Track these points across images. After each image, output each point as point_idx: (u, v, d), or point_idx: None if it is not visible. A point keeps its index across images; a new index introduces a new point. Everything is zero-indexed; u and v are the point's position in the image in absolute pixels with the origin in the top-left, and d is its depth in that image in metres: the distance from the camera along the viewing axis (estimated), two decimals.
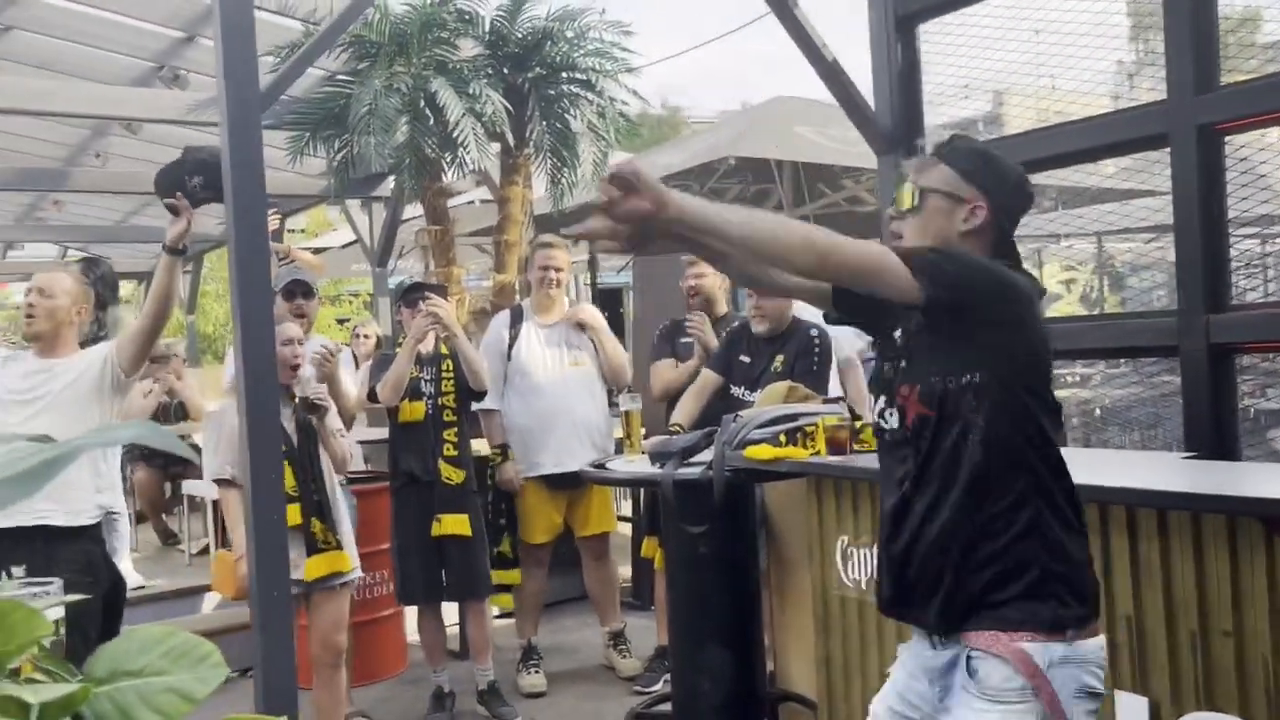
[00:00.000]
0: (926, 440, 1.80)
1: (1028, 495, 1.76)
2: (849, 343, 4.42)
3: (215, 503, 5.85)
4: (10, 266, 13.73)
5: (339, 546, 3.59)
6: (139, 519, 6.30)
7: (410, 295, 4.36)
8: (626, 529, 5.90)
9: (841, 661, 3.00)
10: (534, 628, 4.73)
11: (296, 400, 3.63)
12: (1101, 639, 1.81)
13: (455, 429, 4.24)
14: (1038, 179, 5.22)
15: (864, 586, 2.90)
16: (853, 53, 4.45)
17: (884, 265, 1.71)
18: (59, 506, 3.10)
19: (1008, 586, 1.75)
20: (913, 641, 1.94)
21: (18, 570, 2.92)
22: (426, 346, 4.25)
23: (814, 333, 3.87)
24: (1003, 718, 1.72)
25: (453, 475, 4.21)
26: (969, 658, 1.77)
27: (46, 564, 2.96)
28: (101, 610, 3.31)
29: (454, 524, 4.18)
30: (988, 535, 1.76)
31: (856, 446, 2.99)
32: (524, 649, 4.69)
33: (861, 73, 4.22)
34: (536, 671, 4.64)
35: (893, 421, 1.86)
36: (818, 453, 2.97)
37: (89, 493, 3.28)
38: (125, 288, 15.39)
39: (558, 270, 4.58)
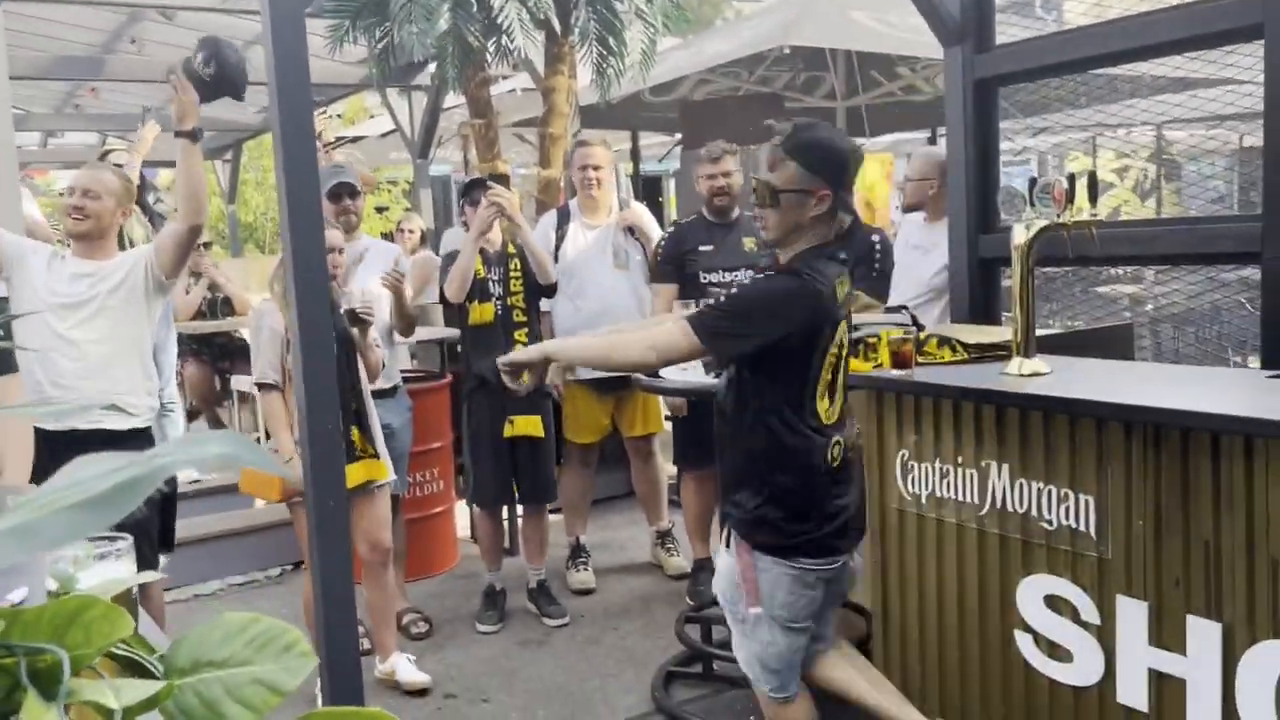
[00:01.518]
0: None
1: None
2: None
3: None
4: (50, 155, 13.73)
5: (375, 455, 3.59)
6: (190, 415, 6.38)
7: (473, 192, 4.24)
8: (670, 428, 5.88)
9: (898, 573, 2.97)
10: (583, 525, 4.76)
11: (341, 311, 3.58)
12: None
13: (525, 329, 4.15)
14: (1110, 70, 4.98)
15: (923, 501, 2.85)
16: None
17: (689, 345, 2.37)
18: (113, 410, 3.11)
19: None
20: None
21: None
22: (494, 245, 4.14)
23: (875, 238, 3.74)
24: None
25: (524, 376, 4.15)
26: None
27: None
28: (159, 508, 3.36)
29: (526, 425, 4.14)
30: None
31: (920, 359, 2.90)
32: (572, 546, 4.73)
33: None
34: (585, 569, 4.69)
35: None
36: (880, 365, 2.88)
37: (142, 395, 3.29)
38: (164, 176, 15.37)
39: (597, 169, 4.45)
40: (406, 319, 4.19)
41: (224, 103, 11.43)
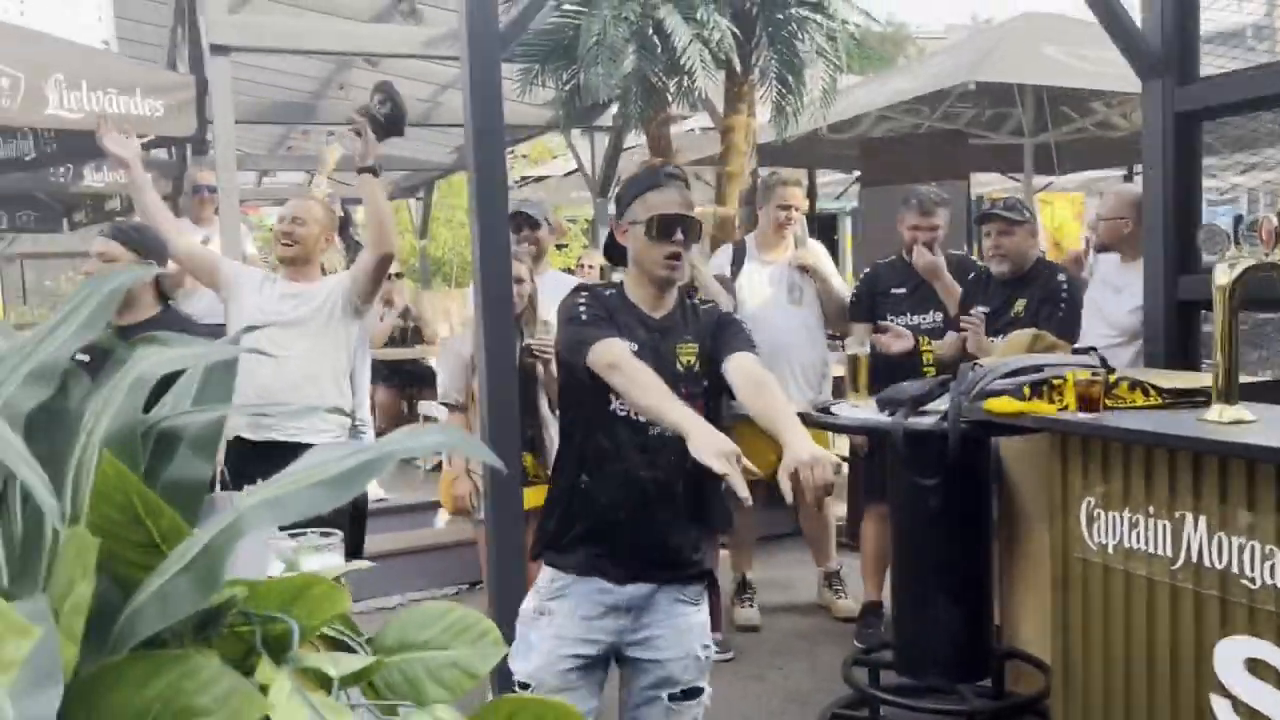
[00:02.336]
0: None
1: None
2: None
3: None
4: (263, 193, 14.79)
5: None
6: (379, 436, 6.74)
7: None
8: (843, 469, 5.81)
9: (1081, 626, 2.84)
10: (749, 562, 4.75)
11: (522, 344, 3.73)
12: None
13: None
14: None
15: (1110, 551, 2.71)
16: None
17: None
18: (308, 424, 3.33)
19: None
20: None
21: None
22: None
23: (1061, 277, 3.62)
24: None
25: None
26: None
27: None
28: (351, 521, 3.57)
29: None
30: None
31: (1109, 403, 2.78)
32: (738, 582, 4.72)
33: None
34: (751, 605, 4.66)
35: None
36: (1066, 407, 2.78)
37: (342, 411, 3.51)
38: (360, 213, 16.33)
39: (796, 209, 4.48)
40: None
41: (419, 143, 12.01)
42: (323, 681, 0.72)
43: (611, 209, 2.50)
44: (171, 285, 5.26)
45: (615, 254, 2.43)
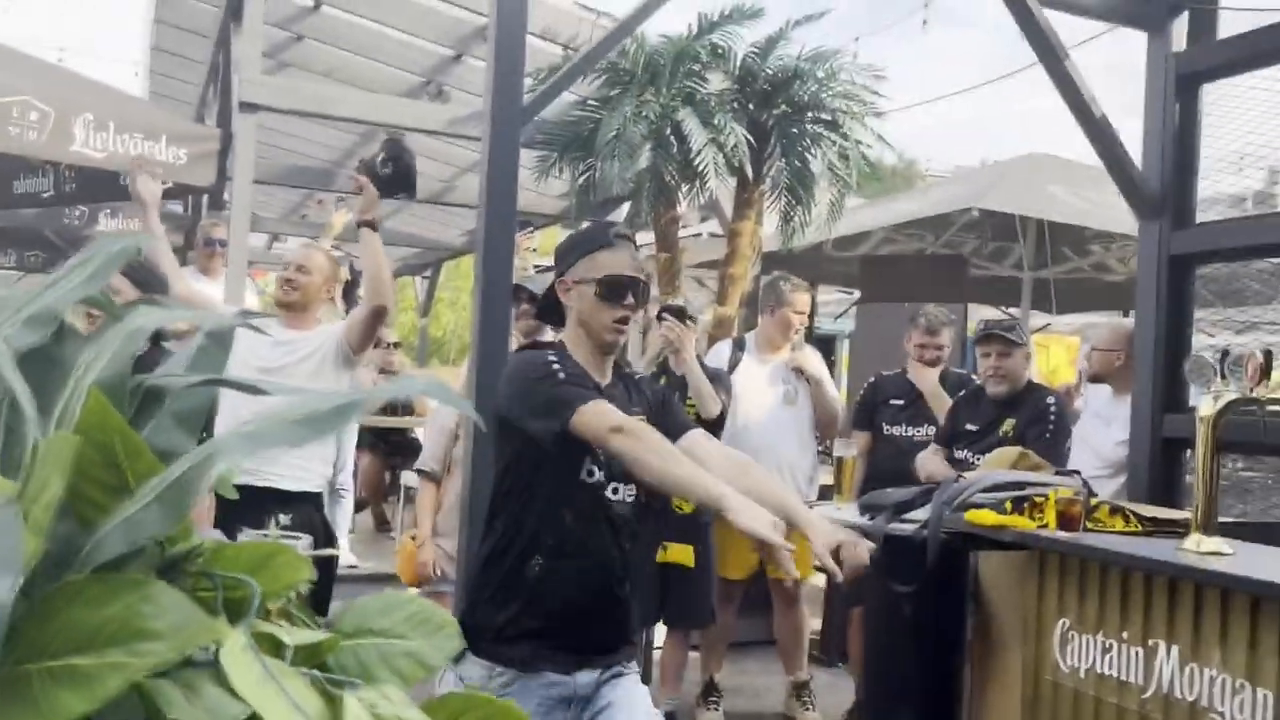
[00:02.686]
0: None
1: None
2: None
3: None
4: (272, 257, 14.93)
5: None
6: (359, 506, 6.69)
7: (661, 315, 4.43)
8: (820, 578, 5.74)
9: None
10: (719, 664, 4.66)
11: None
12: None
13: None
14: None
15: (1082, 675, 2.68)
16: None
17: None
18: (288, 471, 3.29)
19: None
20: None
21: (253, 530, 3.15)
22: (679, 371, 4.27)
23: (1050, 400, 3.66)
24: None
25: (683, 504, 4.20)
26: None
27: (269, 519, 3.14)
28: (317, 578, 3.51)
29: (678, 553, 4.18)
30: None
31: (1088, 524, 2.79)
32: (705, 684, 4.63)
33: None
34: (716, 708, 4.56)
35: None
36: (1046, 525, 2.78)
37: (317, 462, 3.47)
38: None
39: (804, 315, 4.59)
40: None
41: (432, 223, 12.19)
42: (276, 650, 0.72)
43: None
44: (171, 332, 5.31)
45: (552, 315, 2.33)
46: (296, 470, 3.30)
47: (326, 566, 3.63)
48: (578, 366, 2.15)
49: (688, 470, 1.97)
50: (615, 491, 2.16)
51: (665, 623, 4.36)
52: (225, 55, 6.49)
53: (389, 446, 6.75)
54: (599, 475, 2.14)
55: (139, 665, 0.51)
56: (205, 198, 6.65)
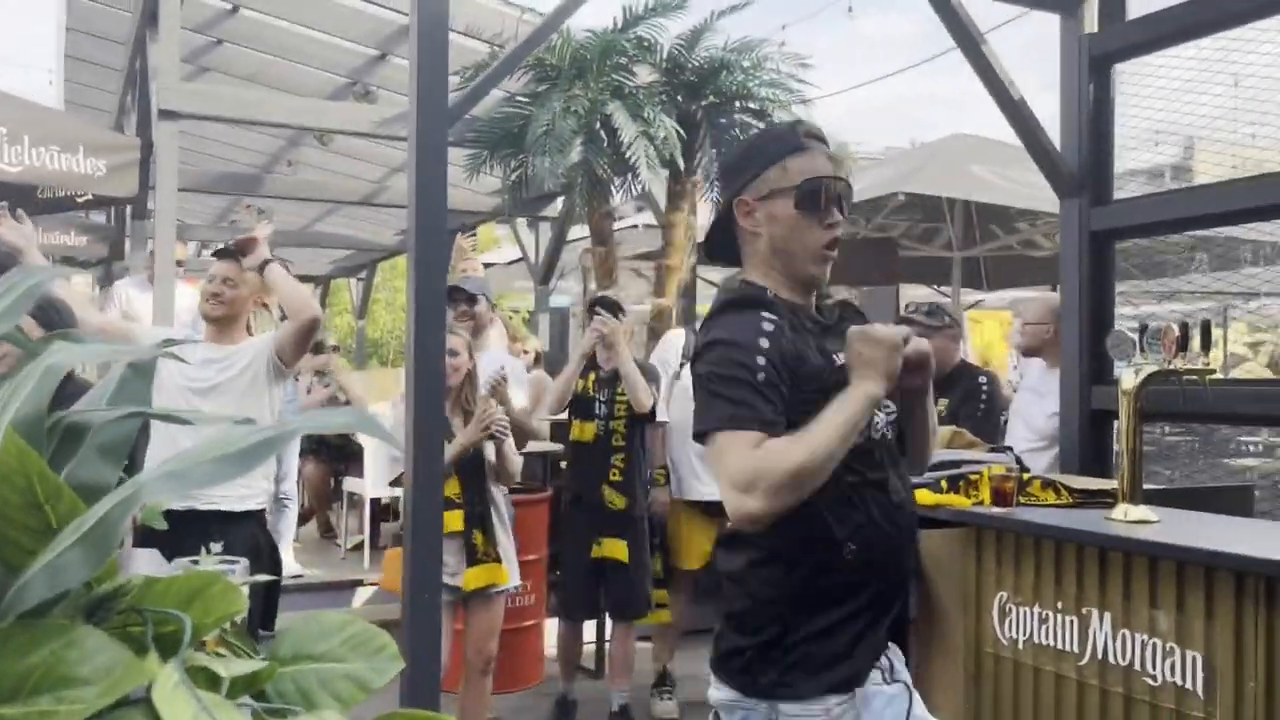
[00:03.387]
0: None
1: None
2: None
3: (373, 500, 6.08)
4: (202, 264, 14.65)
5: (498, 559, 3.67)
6: (303, 518, 6.61)
7: (590, 308, 4.43)
8: None
9: None
10: (670, 654, 4.70)
11: (483, 430, 3.68)
12: None
13: (623, 454, 4.26)
14: (1232, 232, 4.93)
15: (1020, 646, 2.76)
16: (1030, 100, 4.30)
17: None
18: (231, 491, 3.24)
19: None
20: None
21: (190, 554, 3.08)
22: (608, 365, 4.26)
23: (982, 379, 3.74)
24: None
25: (615, 500, 4.23)
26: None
27: (211, 541, 3.09)
28: (264, 592, 3.46)
29: (612, 548, 4.21)
30: None
31: (1022, 499, 2.86)
32: (659, 674, 4.67)
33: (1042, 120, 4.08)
34: (669, 698, 4.60)
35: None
36: (981, 502, 2.85)
37: (259, 479, 3.42)
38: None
39: None
40: (521, 428, 4.29)
41: (365, 224, 12.08)
42: (213, 683, 0.72)
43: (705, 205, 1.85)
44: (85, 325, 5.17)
45: (723, 251, 1.88)
46: (239, 489, 3.24)
47: (273, 581, 3.57)
48: (791, 345, 1.69)
49: (817, 432, 1.60)
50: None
51: (609, 613, 4.40)
52: (142, 62, 6.34)
53: (332, 453, 6.68)
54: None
55: (68, 712, 0.51)
56: (129, 208, 6.49)
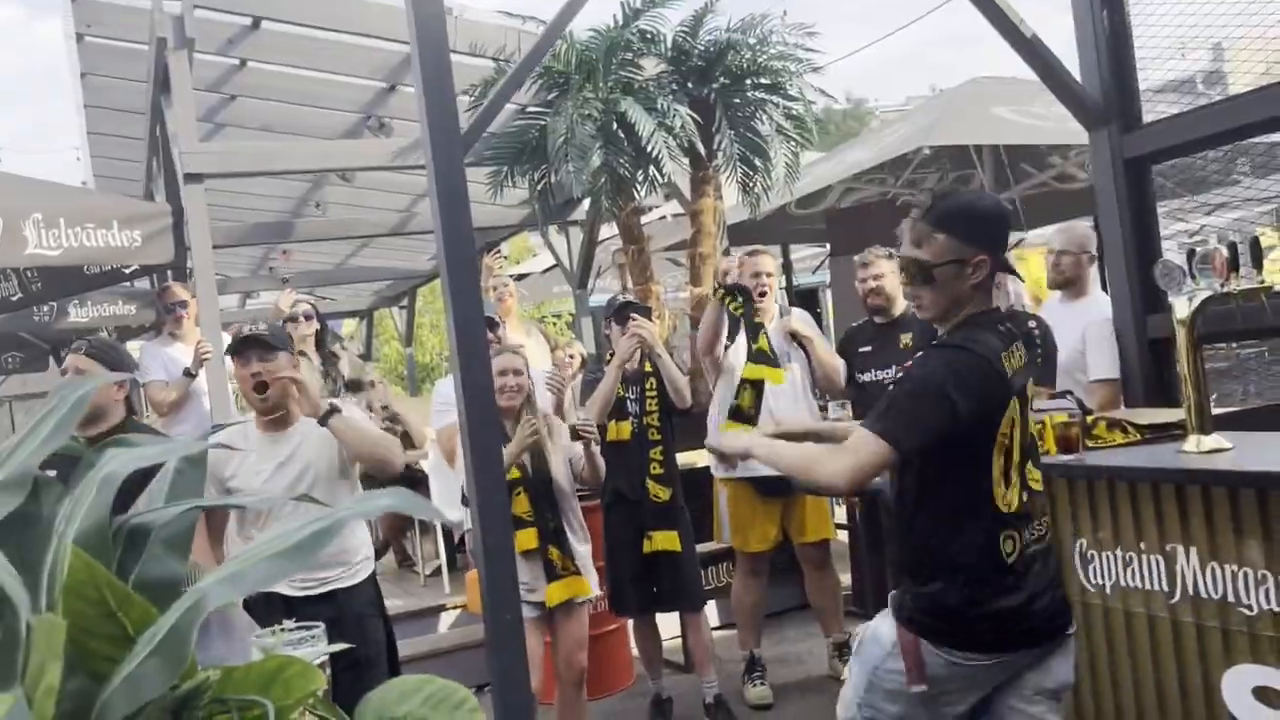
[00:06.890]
0: None
1: None
2: None
3: (443, 526, 6.14)
4: (246, 315, 14.93)
5: (577, 571, 3.69)
6: (381, 549, 6.70)
7: (620, 313, 4.44)
8: (844, 536, 5.78)
9: (1088, 670, 2.82)
10: (756, 639, 4.70)
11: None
12: None
13: (661, 447, 4.31)
14: (1272, 137, 4.79)
15: (1107, 591, 2.71)
16: (1047, 27, 4.21)
17: (882, 453, 2.10)
18: (344, 569, 3.24)
19: None
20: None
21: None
22: (632, 365, 4.32)
23: (1032, 324, 3.67)
24: None
25: (660, 493, 4.26)
26: None
27: (340, 619, 3.06)
28: (386, 639, 3.44)
29: (664, 540, 4.24)
30: None
31: (1089, 443, 2.81)
32: (747, 660, 4.67)
33: (1061, 46, 3.99)
34: (761, 683, 4.60)
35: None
36: (1047, 451, 2.81)
37: (365, 545, 3.41)
38: (347, 325, 16.47)
39: (768, 276, 4.55)
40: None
41: (399, 253, 12.14)
42: None
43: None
44: (156, 405, 5.26)
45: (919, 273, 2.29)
46: (348, 565, 3.25)
47: (390, 627, 3.53)
48: (977, 373, 2.12)
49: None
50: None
51: (661, 608, 4.44)
52: (162, 129, 6.45)
53: (397, 482, 6.74)
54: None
55: None
56: (169, 272, 6.62)
